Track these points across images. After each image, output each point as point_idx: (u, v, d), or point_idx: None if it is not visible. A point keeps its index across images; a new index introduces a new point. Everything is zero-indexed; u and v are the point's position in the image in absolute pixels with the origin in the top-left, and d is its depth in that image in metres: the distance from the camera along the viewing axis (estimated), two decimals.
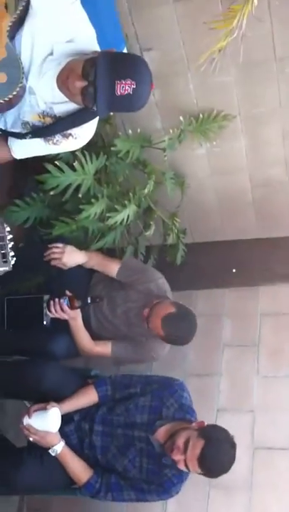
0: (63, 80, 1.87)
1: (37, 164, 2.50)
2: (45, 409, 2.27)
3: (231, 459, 2.21)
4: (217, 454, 2.18)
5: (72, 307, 2.44)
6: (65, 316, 2.45)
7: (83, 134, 2.05)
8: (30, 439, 2.25)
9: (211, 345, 3.18)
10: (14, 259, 1.76)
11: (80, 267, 2.63)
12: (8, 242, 1.77)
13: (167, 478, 2.27)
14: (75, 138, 2.04)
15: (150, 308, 2.46)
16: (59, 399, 2.35)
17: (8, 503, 2.82)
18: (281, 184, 3.18)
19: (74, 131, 2.01)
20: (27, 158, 2.18)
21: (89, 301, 2.45)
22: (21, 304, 2.69)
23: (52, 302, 2.45)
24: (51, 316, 2.47)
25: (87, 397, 2.42)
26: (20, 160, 2.18)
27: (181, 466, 2.20)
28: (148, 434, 2.31)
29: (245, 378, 3.05)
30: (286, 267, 3.18)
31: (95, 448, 2.35)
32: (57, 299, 2.44)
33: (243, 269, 3.25)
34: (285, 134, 2.98)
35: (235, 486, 2.69)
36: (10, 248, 1.78)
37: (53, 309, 2.44)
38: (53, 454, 2.26)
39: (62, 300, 2.44)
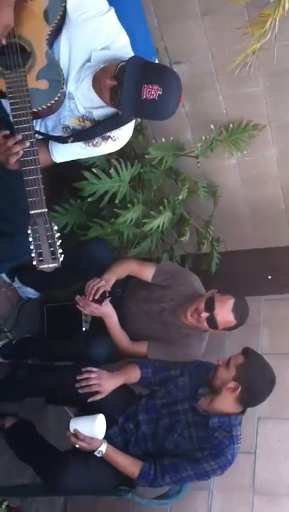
0: (96, 79, 1.96)
1: (73, 173, 2.59)
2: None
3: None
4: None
5: (95, 302, 2.44)
6: (95, 311, 2.46)
7: (122, 135, 2.12)
8: (77, 446, 2.25)
9: None
10: (63, 256, 1.81)
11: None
12: (56, 240, 1.82)
13: (218, 441, 2.29)
14: (114, 140, 2.11)
15: (206, 306, 2.48)
16: (101, 404, 2.36)
17: (52, 507, 2.82)
18: None
19: (113, 133, 2.09)
20: (64, 167, 2.25)
21: (107, 294, 2.45)
22: (60, 310, 2.73)
23: (77, 298, 2.45)
24: (86, 315, 2.49)
25: (131, 375, 2.46)
26: (58, 168, 2.25)
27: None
28: (191, 403, 2.36)
29: (285, 386, 3.01)
30: None
31: (145, 437, 2.36)
32: (80, 295, 2.46)
33: (279, 275, 3.25)
34: None
35: (280, 492, 2.65)
36: (58, 246, 1.83)
37: (80, 304, 2.45)
38: (99, 456, 2.27)
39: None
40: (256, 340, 3.21)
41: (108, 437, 2.33)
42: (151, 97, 1.82)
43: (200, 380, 2.45)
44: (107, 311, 2.50)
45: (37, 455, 2.43)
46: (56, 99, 1.96)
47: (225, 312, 2.48)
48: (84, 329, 2.58)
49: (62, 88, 1.97)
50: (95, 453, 2.27)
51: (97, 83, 1.95)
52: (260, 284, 3.27)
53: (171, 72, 1.94)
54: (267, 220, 3.30)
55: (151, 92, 1.82)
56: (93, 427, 2.26)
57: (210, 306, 2.48)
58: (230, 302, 2.49)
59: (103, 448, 2.27)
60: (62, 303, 2.80)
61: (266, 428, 2.85)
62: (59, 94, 1.96)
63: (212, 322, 2.49)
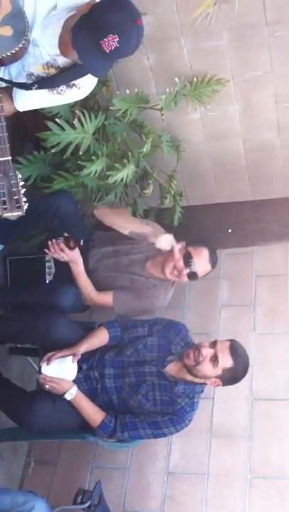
0: (63, 50, 2.00)
1: (37, 124, 2.57)
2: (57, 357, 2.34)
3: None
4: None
5: (68, 248, 2.49)
6: (64, 257, 2.50)
7: (86, 83, 2.12)
8: (47, 387, 2.31)
9: (209, 306, 3.27)
10: (27, 204, 1.82)
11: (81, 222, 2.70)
12: (20, 188, 1.83)
13: (180, 407, 2.37)
14: (79, 88, 2.11)
15: (185, 262, 2.53)
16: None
17: (15, 457, 2.90)
18: (273, 148, 3.26)
19: (78, 81, 2.09)
20: (27, 118, 2.23)
21: (81, 243, 2.49)
22: (23, 263, 2.74)
23: (50, 242, 2.49)
24: (50, 254, 2.51)
25: (99, 338, 2.49)
26: (20, 119, 2.23)
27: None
28: (158, 368, 2.41)
29: (242, 336, 3.11)
30: (279, 225, 3.28)
31: (109, 390, 2.42)
32: (54, 240, 2.50)
33: (239, 229, 3.33)
34: (277, 98, 3.06)
35: (235, 435, 2.79)
36: (22, 194, 1.84)
37: (52, 249, 2.48)
38: (69, 399, 2.34)
39: (58, 240, 2.50)
40: (216, 293, 3.32)
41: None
42: (113, 47, 1.84)
43: (169, 343, 2.48)
44: (76, 256, 2.53)
45: (4, 396, 2.48)
46: (20, 46, 1.93)
47: (203, 264, 2.56)
48: (48, 281, 2.62)
49: (26, 35, 1.93)
50: (65, 395, 2.34)
51: (65, 53, 1.98)
52: (221, 238, 3.35)
53: (112, 11, 1.88)
54: (228, 175, 3.36)
55: (110, 43, 1.84)
56: (64, 368, 2.34)
57: (188, 262, 2.53)
58: (206, 253, 2.57)
59: (74, 391, 2.34)
60: (25, 256, 2.80)
61: None
62: (23, 42, 1.93)
63: (193, 276, 2.56)
